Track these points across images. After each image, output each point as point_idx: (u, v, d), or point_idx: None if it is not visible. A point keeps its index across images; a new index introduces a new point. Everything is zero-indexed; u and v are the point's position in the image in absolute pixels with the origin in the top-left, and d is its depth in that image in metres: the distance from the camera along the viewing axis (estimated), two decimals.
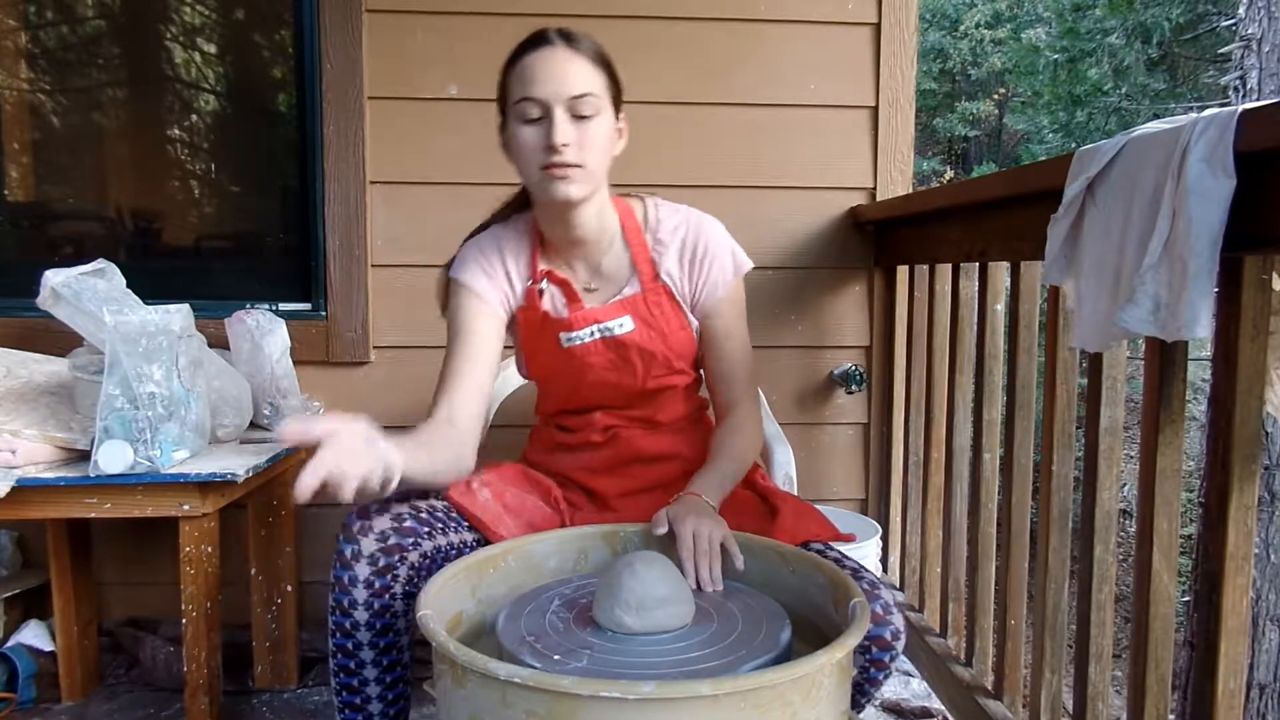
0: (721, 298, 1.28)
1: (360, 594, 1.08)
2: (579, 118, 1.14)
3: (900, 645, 1.08)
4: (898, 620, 1.07)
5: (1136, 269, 0.93)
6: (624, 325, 1.25)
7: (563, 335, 1.25)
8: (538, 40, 1.16)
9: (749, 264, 1.31)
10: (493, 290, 1.26)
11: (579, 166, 1.14)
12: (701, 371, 1.35)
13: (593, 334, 1.25)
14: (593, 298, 1.28)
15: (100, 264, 1.64)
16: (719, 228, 1.31)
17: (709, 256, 1.27)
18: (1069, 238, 1.10)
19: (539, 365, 1.32)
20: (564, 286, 1.26)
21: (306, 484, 0.84)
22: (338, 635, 1.11)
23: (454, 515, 1.20)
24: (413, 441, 1.08)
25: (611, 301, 1.26)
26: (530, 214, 1.30)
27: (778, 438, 1.68)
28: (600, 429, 1.31)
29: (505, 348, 1.34)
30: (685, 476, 1.27)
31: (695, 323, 1.29)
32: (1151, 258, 0.91)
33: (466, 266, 1.28)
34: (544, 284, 1.26)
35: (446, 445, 1.17)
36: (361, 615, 1.09)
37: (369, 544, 1.09)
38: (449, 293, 1.29)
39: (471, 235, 1.34)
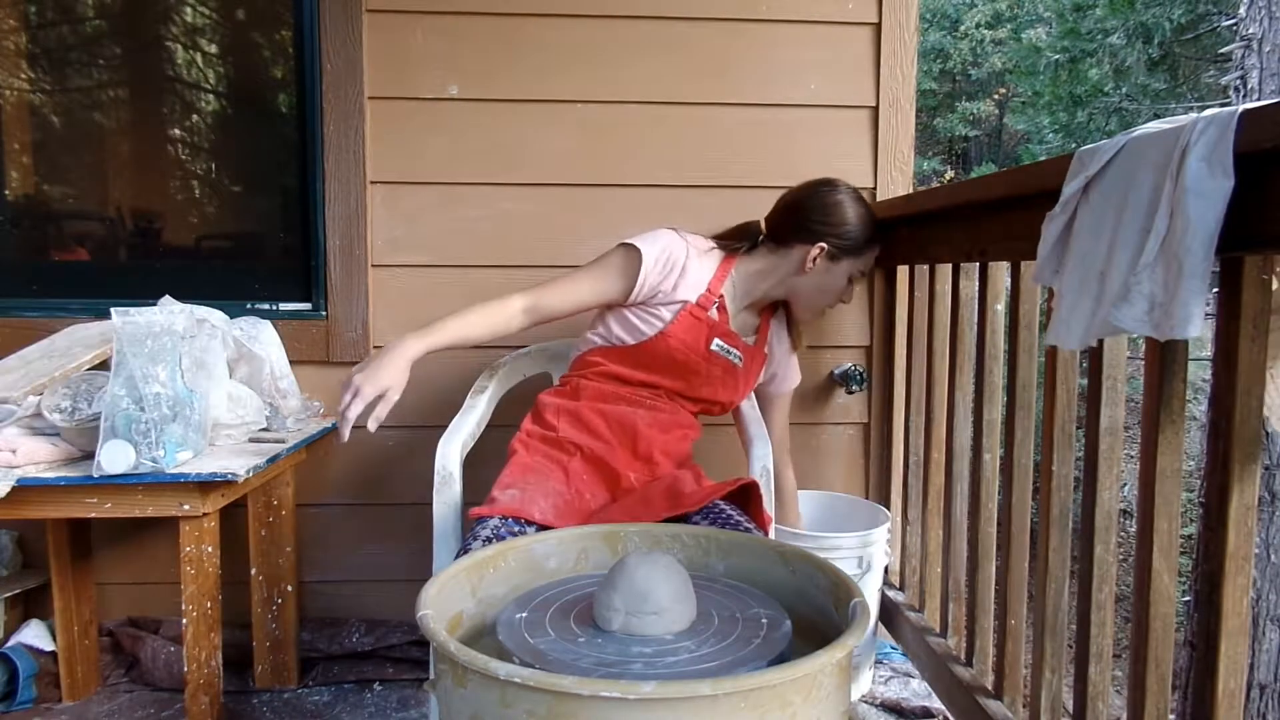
0: (785, 393, 1.89)
1: None
2: None
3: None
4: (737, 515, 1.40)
5: (1130, 268, 0.93)
6: (739, 360, 1.66)
7: (716, 340, 1.61)
8: (881, 238, 1.70)
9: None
10: (650, 278, 1.55)
11: None
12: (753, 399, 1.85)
13: (727, 352, 1.63)
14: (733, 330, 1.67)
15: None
16: None
17: (794, 364, 1.88)
18: (1061, 238, 1.10)
19: (678, 347, 1.58)
20: (721, 313, 1.64)
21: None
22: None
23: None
24: (465, 323, 1.51)
25: (740, 341, 1.66)
26: (730, 257, 1.65)
27: (759, 435, 1.69)
28: (665, 399, 1.64)
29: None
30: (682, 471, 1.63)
31: (759, 377, 1.79)
32: (1148, 256, 0.91)
33: (653, 246, 1.56)
34: (715, 305, 1.62)
35: (495, 325, 1.53)
36: None
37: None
38: (622, 248, 1.57)
39: (677, 229, 1.63)
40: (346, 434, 1.34)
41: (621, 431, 1.57)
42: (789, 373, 1.87)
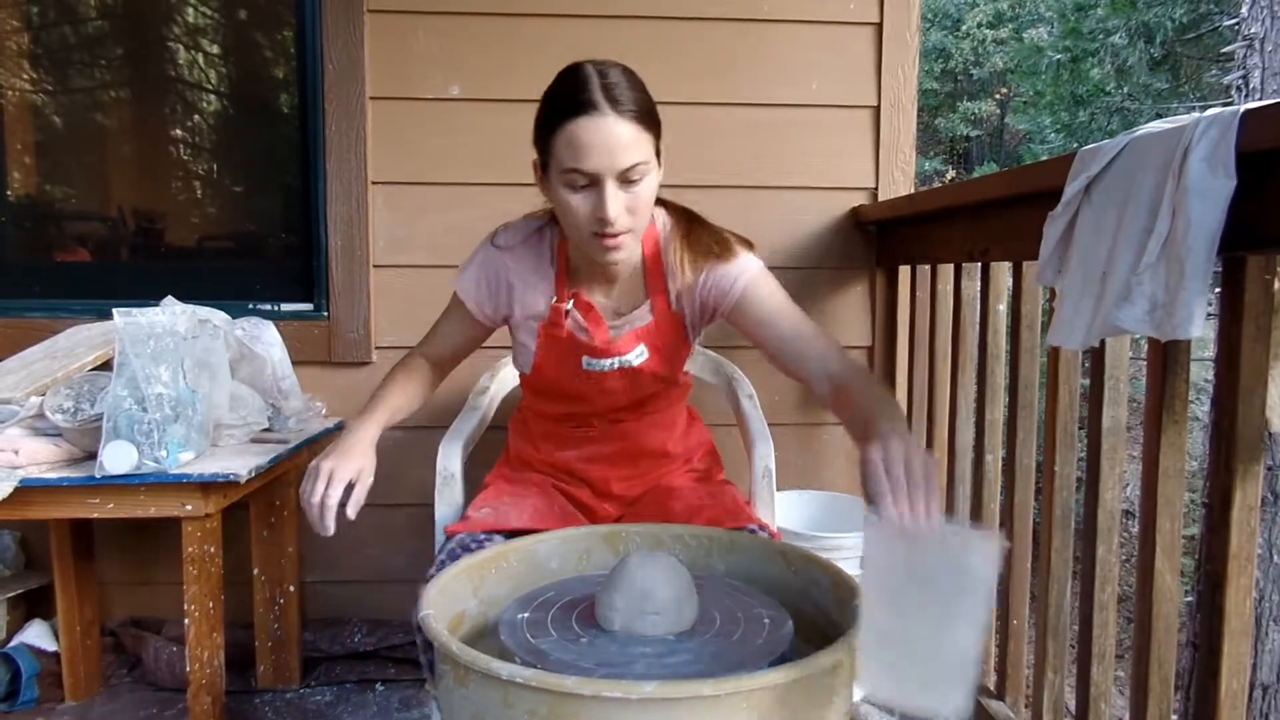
0: (741, 293, 1.23)
1: None
2: (629, 183, 1.11)
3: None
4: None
5: (1132, 268, 0.93)
6: (641, 355, 1.29)
7: (585, 359, 1.28)
8: (582, 104, 1.08)
9: (749, 249, 1.28)
10: (485, 311, 1.34)
11: (628, 232, 1.14)
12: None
13: (613, 364, 1.29)
14: (612, 325, 1.29)
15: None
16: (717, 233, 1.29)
17: (717, 275, 1.25)
18: (1064, 237, 1.10)
19: (552, 377, 1.33)
20: (588, 312, 1.27)
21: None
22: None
23: None
24: (398, 393, 1.30)
25: (627, 332, 1.28)
26: (557, 230, 1.30)
27: (761, 434, 1.68)
28: (601, 423, 1.38)
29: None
30: (682, 470, 1.44)
31: (694, 337, 1.33)
32: (1150, 257, 0.90)
33: (464, 276, 1.33)
34: (569, 306, 1.27)
35: (418, 386, 1.35)
36: None
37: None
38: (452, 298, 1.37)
39: (495, 234, 1.34)
40: (331, 525, 1.11)
41: (571, 476, 1.42)
42: (730, 299, 1.24)
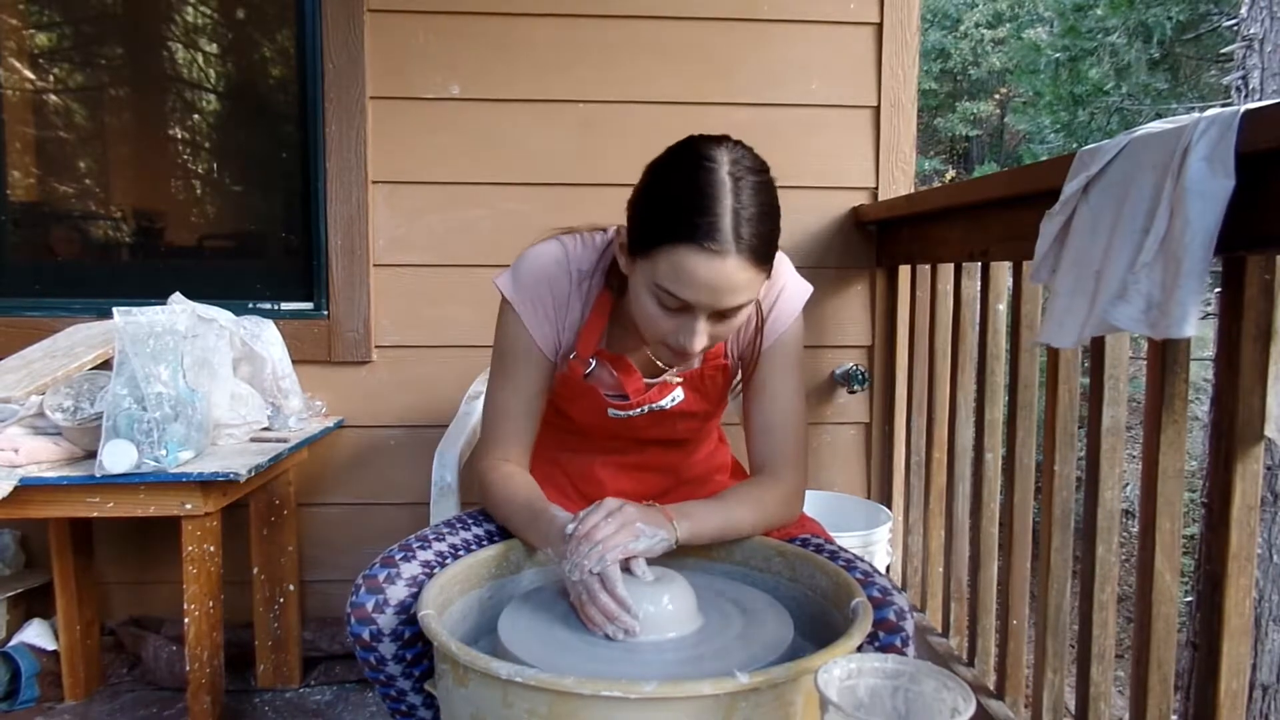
0: (772, 345, 1.16)
1: (388, 649, 1.00)
2: (723, 317, 1.00)
3: (909, 625, 1.00)
4: (900, 600, 1.02)
5: (1128, 267, 0.93)
6: (675, 398, 1.17)
7: (611, 410, 1.16)
8: (703, 232, 0.92)
9: (803, 297, 1.20)
10: (546, 328, 1.14)
11: (702, 353, 1.05)
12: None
13: (642, 411, 1.17)
14: (649, 378, 1.18)
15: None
16: (794, 283, 1.20)
17: (775, 321, 1.17)
18: (1059, 236, 1.10)
19: (571, 414, 1.21)
20: (619, 365, 1.15)
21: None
22: (368, 670, 1.03)
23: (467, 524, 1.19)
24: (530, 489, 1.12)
25: (665, 381, 1.17)
26: (605, 291, 1.14)
27: None
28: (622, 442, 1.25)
29: None
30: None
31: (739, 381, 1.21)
32: (1147, 255, 0.90)
33: (524, 290, 1.13)
34: (593, 363, 1.15)
35: (531, 485, 1.15)
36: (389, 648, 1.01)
37: (398, 591, 1.01)
38: (501, 308, 1.18)
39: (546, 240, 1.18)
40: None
41: (580, 476, 1.28)
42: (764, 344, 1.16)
